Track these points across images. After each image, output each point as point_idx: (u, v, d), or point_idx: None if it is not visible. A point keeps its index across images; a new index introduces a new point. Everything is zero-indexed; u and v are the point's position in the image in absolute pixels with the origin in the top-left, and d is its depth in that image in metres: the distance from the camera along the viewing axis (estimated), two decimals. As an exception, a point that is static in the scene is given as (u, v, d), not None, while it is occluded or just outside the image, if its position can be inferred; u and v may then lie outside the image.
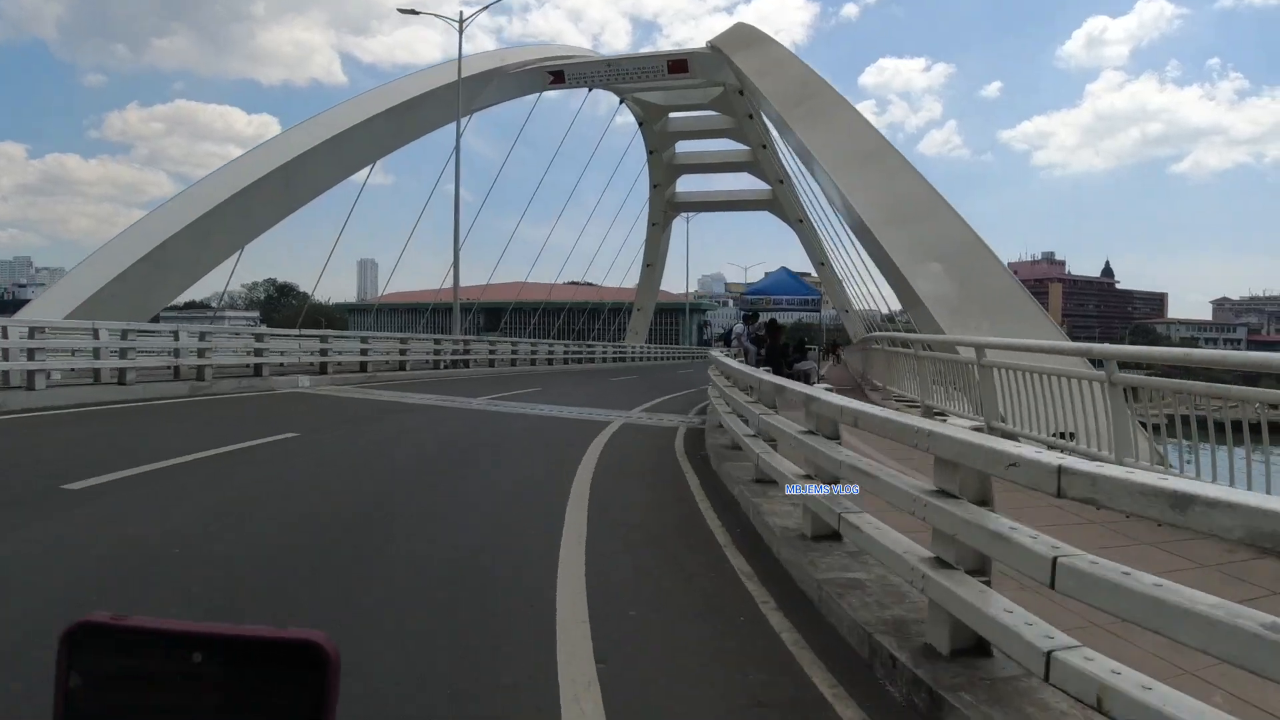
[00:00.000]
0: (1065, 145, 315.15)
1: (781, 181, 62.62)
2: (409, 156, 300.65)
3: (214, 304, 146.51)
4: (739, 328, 20.54)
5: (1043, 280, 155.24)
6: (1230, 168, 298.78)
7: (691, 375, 32.38)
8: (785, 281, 19.80)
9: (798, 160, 27.64)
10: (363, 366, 19.89)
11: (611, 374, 30.02)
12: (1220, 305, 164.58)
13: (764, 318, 21.79)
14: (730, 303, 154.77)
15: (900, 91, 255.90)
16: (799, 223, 64.93)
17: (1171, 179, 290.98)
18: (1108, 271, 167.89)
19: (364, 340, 20.80)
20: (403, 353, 22.28)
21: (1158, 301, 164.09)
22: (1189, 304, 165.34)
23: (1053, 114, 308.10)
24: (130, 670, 0.53)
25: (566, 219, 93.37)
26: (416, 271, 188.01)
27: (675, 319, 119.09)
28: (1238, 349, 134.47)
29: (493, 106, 40.14)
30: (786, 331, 23.46)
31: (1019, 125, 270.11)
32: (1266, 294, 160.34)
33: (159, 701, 0.52)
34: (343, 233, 33.84)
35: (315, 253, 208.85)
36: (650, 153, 61.72)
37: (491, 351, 28.64)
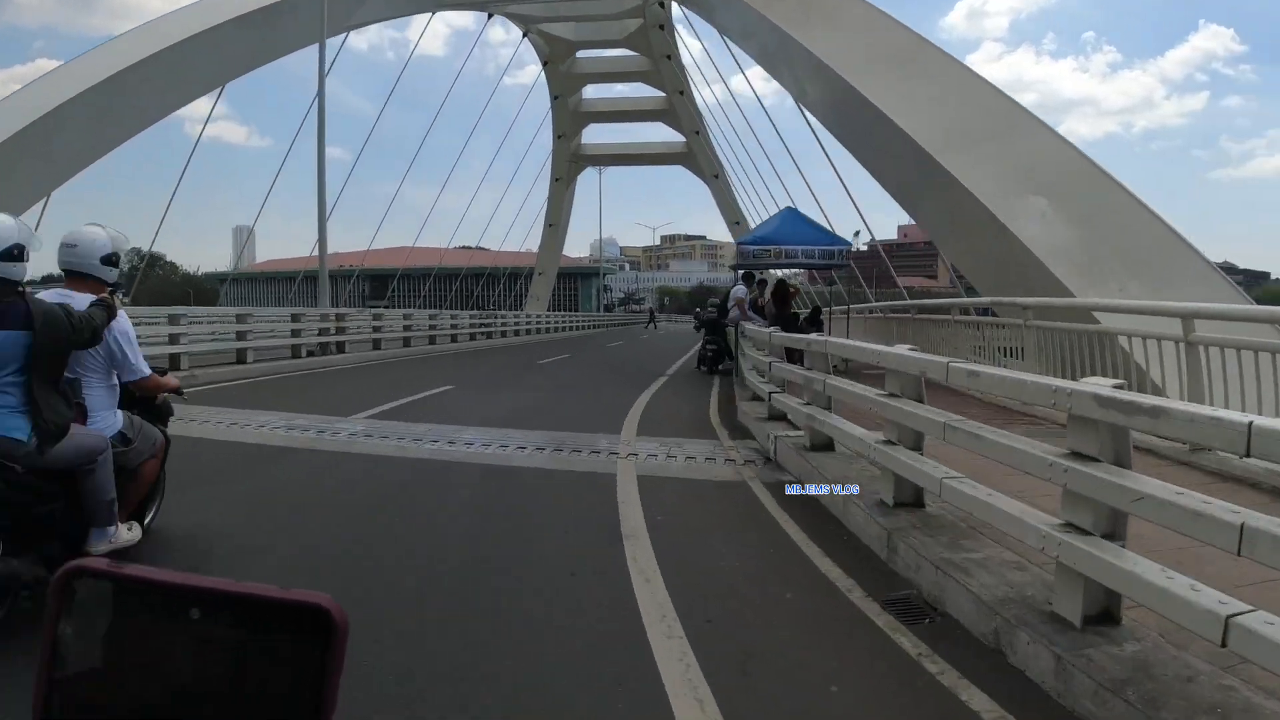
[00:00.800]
0: None
1: (697, 132, 56.68)
2: (292, 116, 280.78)
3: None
4: (739, 291, 14.36)
5: (933, 243, 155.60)
6: (1101, 137, 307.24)
7: (629, 350, 26.58)
8: (797, 226, 13.71)
9: (765, 54, 21.31)
10: (174, 361, 12.49)
11: (535, 352, 23.50)
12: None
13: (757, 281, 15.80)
14: (626, 266, 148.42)
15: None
16: (714, 178, 59.34)
17: None
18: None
19: (173, 320, 13.26)
20: (241, 336, 14.82)
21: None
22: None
23: None
24: (124, 621, 0.49)
25: (460, 179, 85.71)
26: (300, 238, 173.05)
27: (574, 284, 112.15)
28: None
29: (377, 48, 32.41)
30: (800, 296, 17.37)
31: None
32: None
33: (152, 655, 0.49)
34: (179, 189, 25.68)
35: (193, 221, 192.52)
36: (555, 98, 54.44)
37: (377, 329, 21.44)
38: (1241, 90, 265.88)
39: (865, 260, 75.98)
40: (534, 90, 54.52)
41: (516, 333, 32.68)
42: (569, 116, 56.03)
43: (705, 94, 51.14)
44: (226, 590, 0.49)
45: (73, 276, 3.98)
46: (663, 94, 54.54)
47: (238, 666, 0.49)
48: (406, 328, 23.04)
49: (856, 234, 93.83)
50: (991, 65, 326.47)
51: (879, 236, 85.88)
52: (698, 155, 57.71)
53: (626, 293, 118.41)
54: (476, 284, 74.46)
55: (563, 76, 52.50)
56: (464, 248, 73.07)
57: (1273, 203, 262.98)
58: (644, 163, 62.44)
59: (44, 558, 3.49)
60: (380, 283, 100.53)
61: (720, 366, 17.00)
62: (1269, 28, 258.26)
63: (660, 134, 58.53)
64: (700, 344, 17.81)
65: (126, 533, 4.15)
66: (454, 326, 26.13)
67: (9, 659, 2.27)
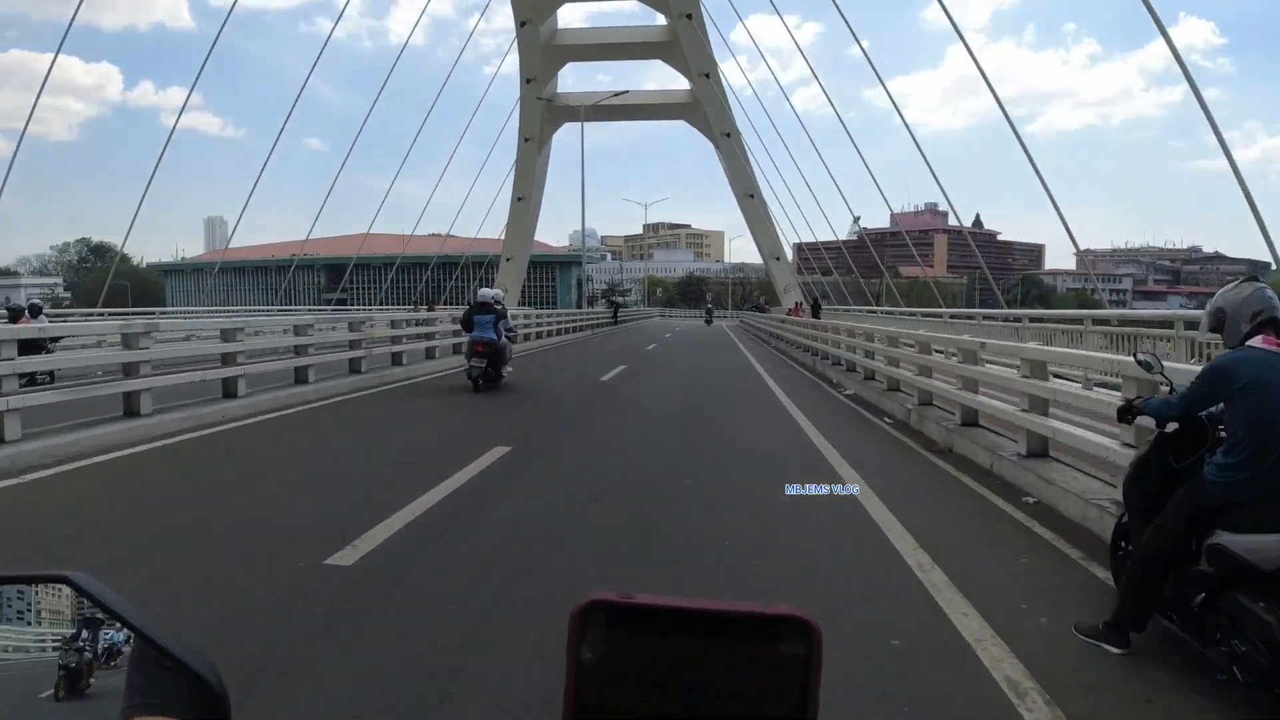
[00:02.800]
0: (926, 105, 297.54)
1: (708, 75, 42.12)
2: (264, 108, 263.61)
3: (22, 270, 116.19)
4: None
5: (927, 231, 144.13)
6: (1079, 128, 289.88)
7: (686, 416, 10.73)
8: None
9: None
10: None
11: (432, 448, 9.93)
12: (1084, 256, 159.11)
13: None
14: (609, 256, 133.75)
15: (770, 48, 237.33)
16: (725, 137, 44.88)
17: (1024, 138, 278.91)
18: (978, 224, 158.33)
19: None
20: None
21: (1036, 253, 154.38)
22: (1054, 255, 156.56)
23: (915, 74, 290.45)
24: (635, 643, 0.54)
25: (431, 162, 72.95)
26: (269, 227, 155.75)
27: (550, 274, 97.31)
28: (1125, 300, 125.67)
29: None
30: None
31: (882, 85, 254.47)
32: (1129, 245, 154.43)
33: (660, 672, 0.54)
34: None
35: (166, 213, 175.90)
36: (522, 24, 39.71)
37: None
38: (1219, 83, 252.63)
39: (857, 250, 62.09)
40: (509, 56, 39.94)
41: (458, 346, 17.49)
42: (540, 53, 41.31)
43: (723, 29, 37.01)
44: (719, 609, 0.53)
45: (496, 303, 13.53)
46: (663, 22, 40.07)
47: (733, 677, 0.52)
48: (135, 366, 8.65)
49: (857, 219, 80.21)
50: (980, 54, 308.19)
51: (867, 225, 72.21)
52: (706, 107, 43.25)
53: (609, 283, 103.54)
54: (450, 275, 62.67)
55: (532, -6, 37.87)
56: (435, 235, 61.47)
57: (1239, 192, 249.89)
58: (637, 116, 47.90)
59: (494, 370, 12.76)
60: (337, 272, 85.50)
61: None
62: (1250, 20, 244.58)
63: (658, 80, 44.12)
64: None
65: (509, 370, 13.38)
66: (303, 348, 12.29)
67: (491, 398, 12.01)
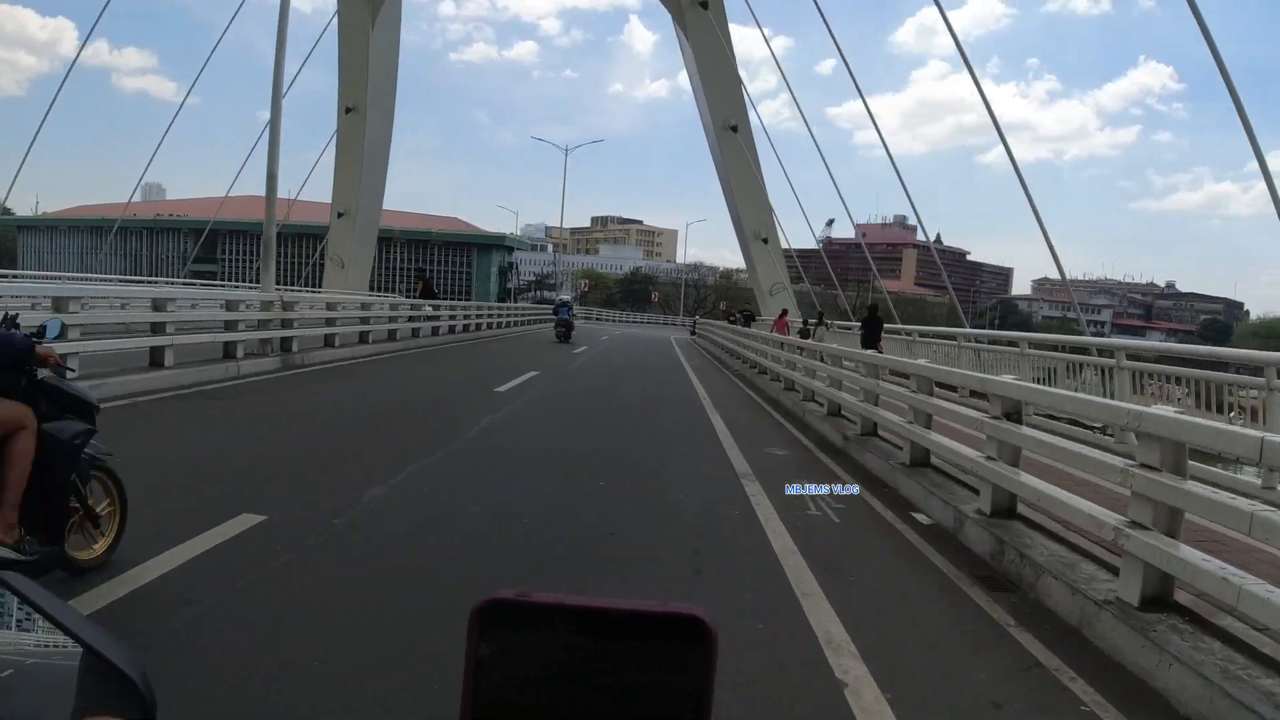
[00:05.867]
0: (886, 127, 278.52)
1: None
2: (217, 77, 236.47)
3: None
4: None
5: (895, 244, 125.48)
6: (1032, 162, 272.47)
7: None
8: None
9: None
10: None
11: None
12: (1040, 285, 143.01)
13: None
14: (550, 247, 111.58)
15: (741, 58, 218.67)
16: (700, 8, 23.99)
17: (978, 168, 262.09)
18: (939, 241, 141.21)
19: None
20: None
21: (1005, 276, 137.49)
22: (1019, 281, 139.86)
23: (878, 96, 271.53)
24: (532, 642, 0.53)
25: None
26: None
27: (467, 257, 75.26)
28: (1104, 332, 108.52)
29: None
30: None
31: (845, 104, 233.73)
32: (1086, 277, 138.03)
33: (557, 670, 0.53)
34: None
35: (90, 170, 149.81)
36: None
37: None
38: (1172, 127, 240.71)
39: (836, 258, 42.36)
40: None
41: None
42: None
43: None
44: (614, 608, 0.52)
45: (567, 302, 30.42)
46: None
47: (630, 674, 0.52)
48: None
49: (830, 223, 60.79)
50: (935, 84, 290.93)
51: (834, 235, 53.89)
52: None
53: (538, 275, 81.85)
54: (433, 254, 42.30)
55: None
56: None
57: (1189, 234, 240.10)
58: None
59: (568, 333, 25.88)
60: (209, 240, 63.06)
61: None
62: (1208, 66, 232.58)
63: None
64: None
65: (574, 333, 27.70)
66: None
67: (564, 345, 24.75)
